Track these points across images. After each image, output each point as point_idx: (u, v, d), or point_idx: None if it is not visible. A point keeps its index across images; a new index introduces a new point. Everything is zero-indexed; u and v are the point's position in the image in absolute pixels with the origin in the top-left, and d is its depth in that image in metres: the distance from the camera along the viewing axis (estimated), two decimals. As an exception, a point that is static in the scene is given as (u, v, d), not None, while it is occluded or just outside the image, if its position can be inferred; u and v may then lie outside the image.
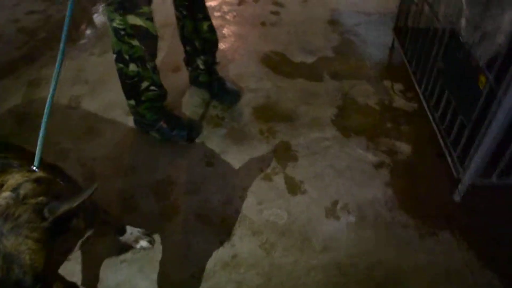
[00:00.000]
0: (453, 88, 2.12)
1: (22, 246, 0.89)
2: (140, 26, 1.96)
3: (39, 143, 1.22)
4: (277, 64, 2.92)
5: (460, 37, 2.03)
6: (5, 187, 0.99)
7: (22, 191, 0.98)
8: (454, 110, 2.12)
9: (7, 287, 0.86)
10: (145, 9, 1.93)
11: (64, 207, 0.95)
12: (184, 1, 2.24)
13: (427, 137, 2.38)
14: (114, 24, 1.97)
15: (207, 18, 2.37)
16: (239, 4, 3.61)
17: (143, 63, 2.12)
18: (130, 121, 2.51)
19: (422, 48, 2.47)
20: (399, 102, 2.64)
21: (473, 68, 1.91)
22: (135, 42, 2.02)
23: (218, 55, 2.59)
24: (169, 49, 3.01)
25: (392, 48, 2.99)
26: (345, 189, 2.14)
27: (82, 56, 3.08)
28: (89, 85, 2.82)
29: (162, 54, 2.88)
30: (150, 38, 2.05)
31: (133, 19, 1.93)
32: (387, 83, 2.77)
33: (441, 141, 2.23)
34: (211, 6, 3.54)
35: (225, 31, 3.25)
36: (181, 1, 2.26)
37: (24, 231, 0.90)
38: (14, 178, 1.03)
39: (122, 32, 1.98)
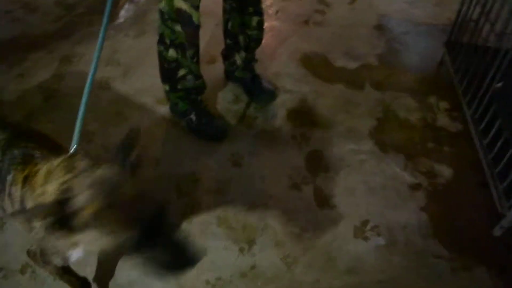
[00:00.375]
0: (508, 117, 1.96)
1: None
2: (184, 12, 1.90)
3: (78, 124, 1.17)
4: (317, 66, 2.79)
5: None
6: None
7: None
8: (506, 140, 1.95)
9: None
10: None
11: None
12: None
13: (470, 162, 2.22)
14: (160, 6, 1.94)
15: (258, 12, 2.26)
16: (283, -2, 3.47)
17: (183, 50, 2.06)
18: (160, 110, 2.43)
19: (477, 68, 2.30)
20: (443, 121, 2.47)
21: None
22: (178, 28, 1.96)
23: (257, 51, 2.47)
24: (209, 39, 2.91)
25: (441, 63, 2.81)
26: (376, 209, 2.01)
27: (117, 37, 3.01)
28: (122, 67, 2.75)
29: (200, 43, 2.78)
30: (192, 27, 1.97)
31: (179, 2, 1.87)
32: (432, 99, 2.60)
33: (486, 170, 2.07)
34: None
35: (266, 26, 3.10)
36: None
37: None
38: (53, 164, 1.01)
39: (166, 16, 1.94)
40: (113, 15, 3.20)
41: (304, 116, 2.44)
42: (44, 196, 0.94)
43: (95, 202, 0.88)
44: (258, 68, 2.59)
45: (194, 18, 1.94)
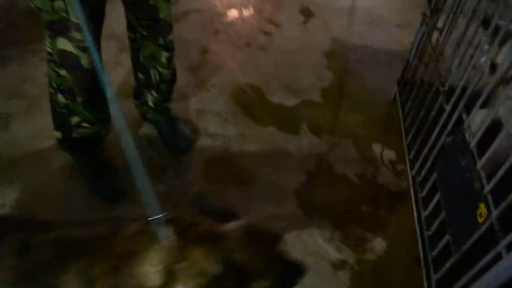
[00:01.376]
0: (447, 197, 1.62)
1: None
2: (70, 54, 1.56)
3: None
4: (250, 102, 2.44)
5: (466, 135, 1.52)
6: None
7: None
8: (443, 221, 1.63)
9: None
10: (76, 34, 1.51)
11: None
12: (145, 19, 1.76)
13: (409, 233, 1.89)
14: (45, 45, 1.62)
15: (167, 46, 1.88)
16: (227, 15, 3.09)
17: (72, 96, 1.73)
18: (60, 158, 2.09)
19: (425, 119, 1.96)
20: (385, 177, 2.14)
21: (474, 189, 1.40)
22: (63, 72, 1.64)
23: (182, 80, 2.12)
24: (128, 72, 2.55)
25: (394, 101, 2.47)
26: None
27: (31, 61, 2.65)
28: (28, 101, 2.40)
29: (118, 78, 2.44)
30: (80, 71, 1.62)
31: (62, 43, 1.54)
32: (376, 148, 2.26)
33: (421, 252, 1.75)
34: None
35: (202, 48, 2.75)
36: (139, 20, 1.77)
37: None
38: None
39: (50, 57, 1.63)
40: (31, 36, 2.83)
41: (223, 169, 2.10)
42: None
43: None
44: (180, 103, 2.25)
45: (83, 61, 1.60)
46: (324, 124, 2.37)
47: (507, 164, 1.26)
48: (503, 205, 1.24)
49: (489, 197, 1.33)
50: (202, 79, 2.53)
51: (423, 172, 1.90)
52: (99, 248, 1.04)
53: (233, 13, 3.10)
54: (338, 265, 1.80)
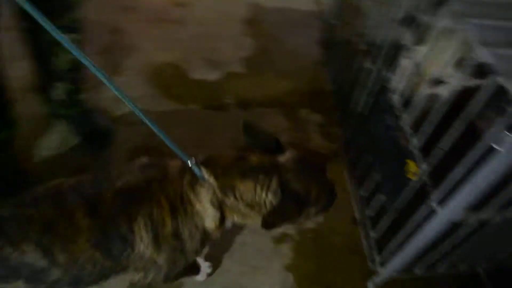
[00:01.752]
0: (377, 156, 1.61)
1: None
2: None
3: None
4: (170, 82, 2.30)
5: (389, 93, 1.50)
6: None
7: None
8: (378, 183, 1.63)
9: None
10: None
11: None
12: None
13: (344, 195, 1.89)
14: None
15: (73, 28, 1.66)
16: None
17: None
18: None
19: (351, 79, 1.93)
20: (316, 141, 2.11)
21: (401, 146, 1.39)
22: None
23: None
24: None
25: (318, 63, 2.43)
26: (232, 277, 1.64)
27: None
28: None
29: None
30: None
31: None
32: (305, 113, 2.22)
33: (356, 213, 1.76)
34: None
35: (108, 28, 2.53)
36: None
37: None
38: None
39: None
40: None
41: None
42: None
43: None
44: (94, 93, 2.07)
45: None
46: (250, 95, 2.28)
47: (430, 119, 1.25)
48: (432, 160, 1.24)
49: (416, 153, 1.32)
50: (115, 62, 2.34)
51: (351, 133, 1.89)
52: (155, 192, 1.11)
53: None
54: (280, 239, 1.77)
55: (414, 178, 1.33)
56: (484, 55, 0.99)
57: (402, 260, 1.45)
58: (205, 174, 1.12)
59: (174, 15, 2.69)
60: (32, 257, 1.02)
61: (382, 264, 1.58)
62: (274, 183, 1.13)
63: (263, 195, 1.14)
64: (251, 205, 1.16)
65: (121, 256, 1.10)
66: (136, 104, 0.95)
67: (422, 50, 1.37)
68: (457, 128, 1.12)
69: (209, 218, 1.16)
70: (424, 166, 1.27)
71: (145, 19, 2.65)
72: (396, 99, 1.44)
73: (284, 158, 1.19)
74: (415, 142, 1.32)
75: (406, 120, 1.38)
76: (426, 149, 1.29)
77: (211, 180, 1.12)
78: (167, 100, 2.20)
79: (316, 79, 2.39)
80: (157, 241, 1.12)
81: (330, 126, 2.17)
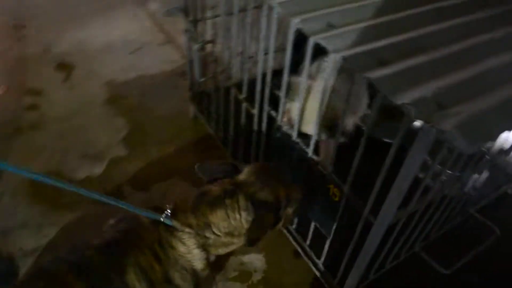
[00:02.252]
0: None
1: None
2: None
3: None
4: (55, 192, 2.07)
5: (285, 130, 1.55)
6: None
7: None
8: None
9: None
10: None
11: None
12: None
13: (277, 235, 1.90)
14: None
15: None
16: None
17: None
18: None
19: (236, 125, 1.96)
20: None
21: (317, 174, 1.45)
22: None
23: None
24: None
25: (195, 118, 2.43)
26: None
27: None
28: None
29: None
30: None
31: None
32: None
33: (297, 247, 1.78)
34: None
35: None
36: None
37: None
38: None
39: None
40: None
41: None
42: None
43: None
44: None
45: None
46: (143, 173, 2.18)
47: (333, 145, 1.33)
48: (349, 180, 1.31)
49: (334, 177, 1.39)
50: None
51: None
52: (134, 241, 1.13)
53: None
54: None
55: (337, 199, 1.40)
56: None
57: (357, 275, 1.51)
58: (178, 225, 1.16)
59: (29, 119, 2.46)
60: None
61: (341, 285, 1.62)
62: (242, 201, 1.19)
63: (237, 216, 1.19)
64: (231, 233, 1.21)
65: None
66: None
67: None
68: (363, 146, 1.21)
69: (197, 260, 1.20)
70: (346, 187, 1.34)
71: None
72: (294, 133, 1.50)
73: (243, 175, 1.26)
74: (329, 169, 1.39)
75: (311, 150, 1.45)
76: (341, 171, 1.37)
77: (186, 229, 1.17)
78: (60, 213, 1.98)
79: (201, 134, 2.38)
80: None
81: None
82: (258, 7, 1.41)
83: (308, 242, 1.76)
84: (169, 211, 1.17)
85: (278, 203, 1.25)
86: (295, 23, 1.18)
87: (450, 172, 1.43)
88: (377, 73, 1.03)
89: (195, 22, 1.99)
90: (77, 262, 1.08)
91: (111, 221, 1.20)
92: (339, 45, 1.10)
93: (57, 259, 1.11)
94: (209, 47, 1.96)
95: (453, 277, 1.77)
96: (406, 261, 1.82)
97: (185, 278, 1.19)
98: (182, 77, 2.72)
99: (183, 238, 1.17)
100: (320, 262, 1.72)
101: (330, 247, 1.61)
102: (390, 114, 1.27)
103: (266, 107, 1.62)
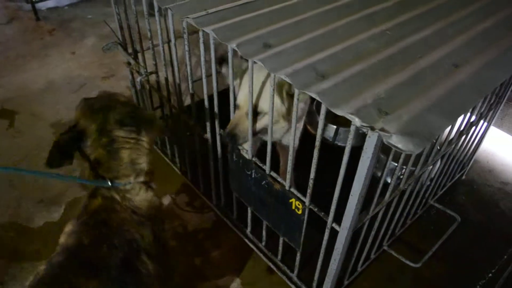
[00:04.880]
0: (259, 208, 1.65)
1: None
2: None
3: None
4: (15, 243, 1.98)
5: (240, 152, 1.55)
6: None
7: None
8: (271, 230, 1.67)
9: None
10: None
11: None
12: None
13: (247, 253, 1.89)
14: None
15: None
16: None
17: None
18: None
19: (190, 150, 1.94)
20: (194, 220, 2.07)
21: (277, 190, 1.45)
22: None
23: None
24: None
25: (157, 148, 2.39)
26: None
27: None
28: None
29: None
30: None
31: None
32: (167, 201, 2.16)
33: (269, 263, 1.77)
34: None
35: None
36: None
37: None
38: None
39: None
40: None
41: None
42: None
43: None
44: None
45: None
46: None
47: (289, 158, 1.33)
48: (309, 192, 1.32)
49: (294, 191, 1.39)
50: None
51: (223, 198, 1.91)
52: (114, 225, 1.17)
53: None
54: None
55: (301, 212, 1.41)
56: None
57: (331, 282, 1.51)
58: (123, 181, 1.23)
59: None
60: None
61: None
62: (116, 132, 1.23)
63: (131, 141, 1.25)
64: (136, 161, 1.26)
65: None
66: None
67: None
68: (316, 157, 1.22)
69: (148, 199, 1.27)
70: (306, 199, 1.35)
71: None
72: (249, 154, 1.50)
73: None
74: (287, 183, 1.40)
75: (268, 167, 1.45)
76: (303, 184, 1.38)
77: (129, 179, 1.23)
78: (24, 264, 1.89)
79: (158, 164, 2.33)
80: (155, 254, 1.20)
81: (196, 200, 2.15)
82: (195, 33, 1.42)
83: (279, 257, 1.76)
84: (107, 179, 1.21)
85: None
86: (232, 47, 1.19)
87: (404, 167, 1.47)
88: (318, 87, 1.05)
89: (135, 54, 1.97)
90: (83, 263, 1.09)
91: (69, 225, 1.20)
92: (277, 64, 1.11)
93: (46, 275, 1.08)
94: (153, 76, 1.94)
95: (424, 268, 1.82)
96: (377, 260, 1.85)
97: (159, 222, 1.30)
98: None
99: (132, 189, 1.24)
100: (294, 275, 1.72)
101: (301, 258, 1.61)
102: (341, 120, 1.29)
103: (218, 129, 1.62)
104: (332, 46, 1.23)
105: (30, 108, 2.77)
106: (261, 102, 1.48)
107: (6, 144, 2.54)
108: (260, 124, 1.51)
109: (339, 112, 0.99)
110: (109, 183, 1.19)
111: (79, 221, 1.18)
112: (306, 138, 1.83)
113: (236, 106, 1.51)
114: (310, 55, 1.17)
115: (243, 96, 1.51)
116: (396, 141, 0.93)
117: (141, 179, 1.26)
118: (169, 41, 1.90)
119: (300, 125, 1.80)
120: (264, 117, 1.50)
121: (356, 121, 0.97)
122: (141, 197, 1.26)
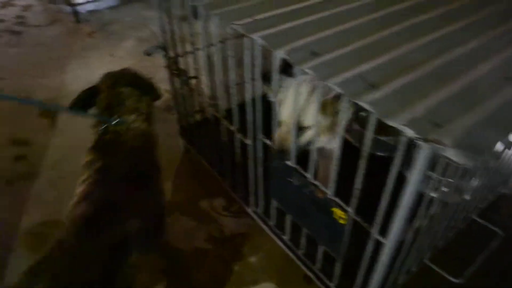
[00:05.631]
0: (300, 216, 1.64)
1: None
2: None
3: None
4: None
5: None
6: None
7: None
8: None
9: None
10: None
11: None
12: None
13: (285, 260, 1.88)
14: None
15: None
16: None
17: None
18: None
19: (230, 156, 1.95)
20: (229, 224, 2.08)
21: (319, 199, 1.44)
22: None
23: None
24: None
25: (187, 152, 2.41)
26: None
27: None
28: None
29: None
30: None
31: None
32: (204, 204, 2.17)
33: (307, 271, 1.76)
34: None
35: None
36: None
37: None
38: None
39: None
40: None
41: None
42: None
43: None
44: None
45: None
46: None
47: (334, 167, 1.32)
48: (354, 201, 1.30)
49: (337, 200, 1.37)
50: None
51: (261, 204, 1.91)
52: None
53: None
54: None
55: (344, 222, 1.39)
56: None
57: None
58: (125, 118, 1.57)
59: (18, 171, 2.42)
60: None
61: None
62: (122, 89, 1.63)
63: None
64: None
65: None
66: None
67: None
68: (362, 168, 1.20)
69: (143, 128, 1.61)
70: (350, 209, 1.33)
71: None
72: (291, 160, 1.49)
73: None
74: (330, 192, 1.38)
75: (310, 175, 1.44)
76: (342, 193, 1.36)
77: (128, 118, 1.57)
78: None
79: (196, 167, 2.36)
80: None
81: (233, 205, 2.15)
82: (240, 37, 1.42)
83: (318, 265, 1.73)
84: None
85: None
86: (280, 54, 1.18)
87: (450, 180, 1.43)
88: (369, 97, 1.03)
89: (176, 58, 1.99)
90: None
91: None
92: (326, 73, 1.10)
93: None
94: (193, 80, 1.96)
95: (466, 284, 1.76)
96: (418, 274, 1.81)
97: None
98: (168, 112, 2.71)
99: (132, 122, 1.57)
100: (332, 285, 1.69)
101: (339, 270, 1.58)
102: (380, 129, 1.27)
103: (259, 135, 1.61)
104: (380, 56, 1.21)
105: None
106: (304, 117, 1.47)
107: (47, 143, 2.61)
108: (304, 138, 1.50)
109: (391, 123, 0.97)
110: (118, 119, 1.54)
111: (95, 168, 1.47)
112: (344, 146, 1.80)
113: (279, 122, 1.50)
114: (358, 65, 1.15)
115: (286, 112, 1.49)
116: (451, 154, 0.91)
117: (141, 116, 1.60)
118: (209, 46, 1.91)
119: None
120: (308, 131, 1.49)
121: (409, 133, 0.95)
122: (139, 127, 1.58)
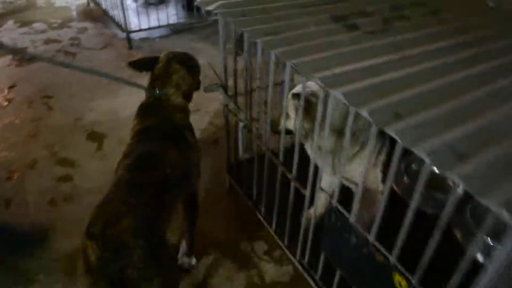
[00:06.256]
0: (352, 274, 1.57)
1: None
2: None
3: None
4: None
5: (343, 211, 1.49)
6: None
7: None
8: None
9: None
10: None
11: None
12: None
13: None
14: None
15: None
16: (10, 177, 2.55)
17: None
18: None
19: (276, 198, 1.90)
20: (271, 271, 2.01)
21: (379, 261, 1.37)
22: None
23: None
24: None
25: (231, 189, 2.38)
26: None
27: None
28: None
29: None
30: None
31: None
32: (245, 246, 2.12)
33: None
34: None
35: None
36: None
37: None
38: None
39: None
40: None
41: None
42: None
43: None
44: None
45: None
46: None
47: (403, 230, 1.26)
48: (419, 270, 1.23)
49: (399, 266, 1.31)
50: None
51: (307, 254, 1.84)
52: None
53: (18, 167, 2.58)
54: None
55: (405, 288, 1.31)
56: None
57: None
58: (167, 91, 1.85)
59: (63, 193, 2.43)
60: None
61: None
62: (174, 64, 1.90)
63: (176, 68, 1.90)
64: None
65: None
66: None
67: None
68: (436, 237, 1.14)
69: (179, 102, 1.90)
70: (413, 278, 1.25)
71: (33, 204, 2.33)
72: (351, 216, 1.44)
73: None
74: (393, 257, 1.31)
75: (373, 235, 1.38)
76: (405, 258, 1.30)
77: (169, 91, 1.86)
78: None
79: (239, 206, 2.33)
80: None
81: (275, 250, 2.09)
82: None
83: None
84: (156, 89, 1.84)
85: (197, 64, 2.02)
86: (364, 114, 1.15)
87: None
88: (458, 170, 0.98)
89: (235, 97, 1.99)
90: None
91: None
92: (414, 137, 1.06)
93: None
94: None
95: None
96: None
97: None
98: (213, 146, 2.71)
99: (171, 95, 1.85)
100: None
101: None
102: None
103: (319, 186, 1.57)
104: (469, 122, 1.16)
105: (118, 133, 2.88)
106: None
107: (94, 166, 2.64)
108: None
109: (485, 202, 0.91)
110: (157, 91, 1.82)
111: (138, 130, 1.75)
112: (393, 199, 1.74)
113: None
114: (445, 131, 1.11)
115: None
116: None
117: (179, 92, 1.86)
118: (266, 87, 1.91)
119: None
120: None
121: (506, 217, 0.89)
122: (176, 101, 1.85)
